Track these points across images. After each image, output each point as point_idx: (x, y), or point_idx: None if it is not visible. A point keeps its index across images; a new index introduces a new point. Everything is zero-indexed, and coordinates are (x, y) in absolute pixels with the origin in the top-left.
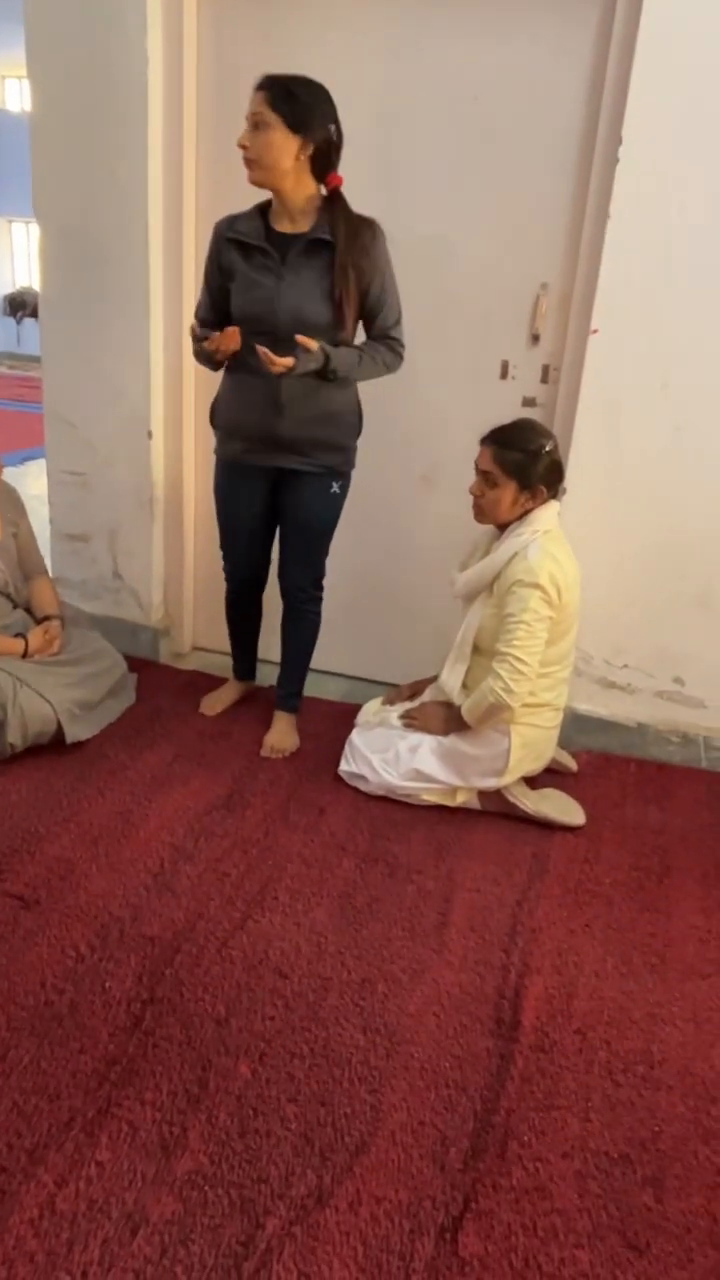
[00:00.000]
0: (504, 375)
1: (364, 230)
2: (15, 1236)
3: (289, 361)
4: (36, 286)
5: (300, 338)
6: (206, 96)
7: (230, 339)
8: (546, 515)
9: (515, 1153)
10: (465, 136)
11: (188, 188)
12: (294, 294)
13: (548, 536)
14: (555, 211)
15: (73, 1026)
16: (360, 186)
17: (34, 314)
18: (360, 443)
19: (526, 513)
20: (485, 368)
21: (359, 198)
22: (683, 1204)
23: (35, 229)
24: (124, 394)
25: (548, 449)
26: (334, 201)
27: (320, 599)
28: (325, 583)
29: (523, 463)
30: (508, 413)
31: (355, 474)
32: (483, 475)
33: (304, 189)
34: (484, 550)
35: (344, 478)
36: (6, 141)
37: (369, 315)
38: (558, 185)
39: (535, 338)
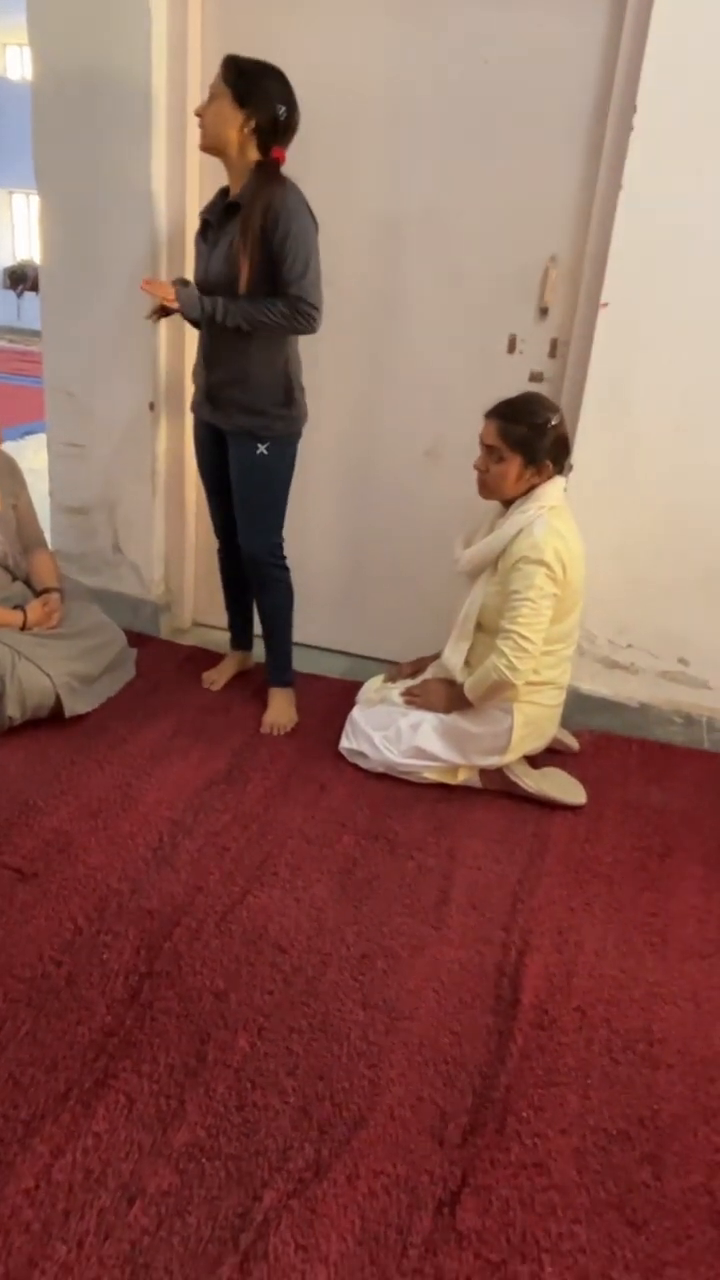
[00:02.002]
0: (511, 349)
1: (267, 189)
2: (11, 1207)
3: (163, 290)
4: (37, 259)
5: (145, 279)
6: (210, 64)
7: (148, 286)
8: (552, 491)
9: (514, 1129)
10: (474, 105)
11: (190, 158)
12: (215, 256)
13: (553, 512)
14: (566, 182)
15: (70, 999)
16: (366, 159)
17: (34, 288)
18: (361, 415)
19: (532, 488)
20: (492, 341)
21: (365, 170)
22: (681, 1181)
23: (36, 200)
24: (125, 365)
25: (554, 423)
26: (260, 169)
27: (281, 565)
28: (328, 556)
29: (528, 437)
30: (515, 387)
31: (357, 447)
32: (487, 450)
33: (246, 160)
34: (489, 526)
35: (272, 441)
36: (7, 110)
37: (275, 273)
38: (569, 155)
39: (544, 311)
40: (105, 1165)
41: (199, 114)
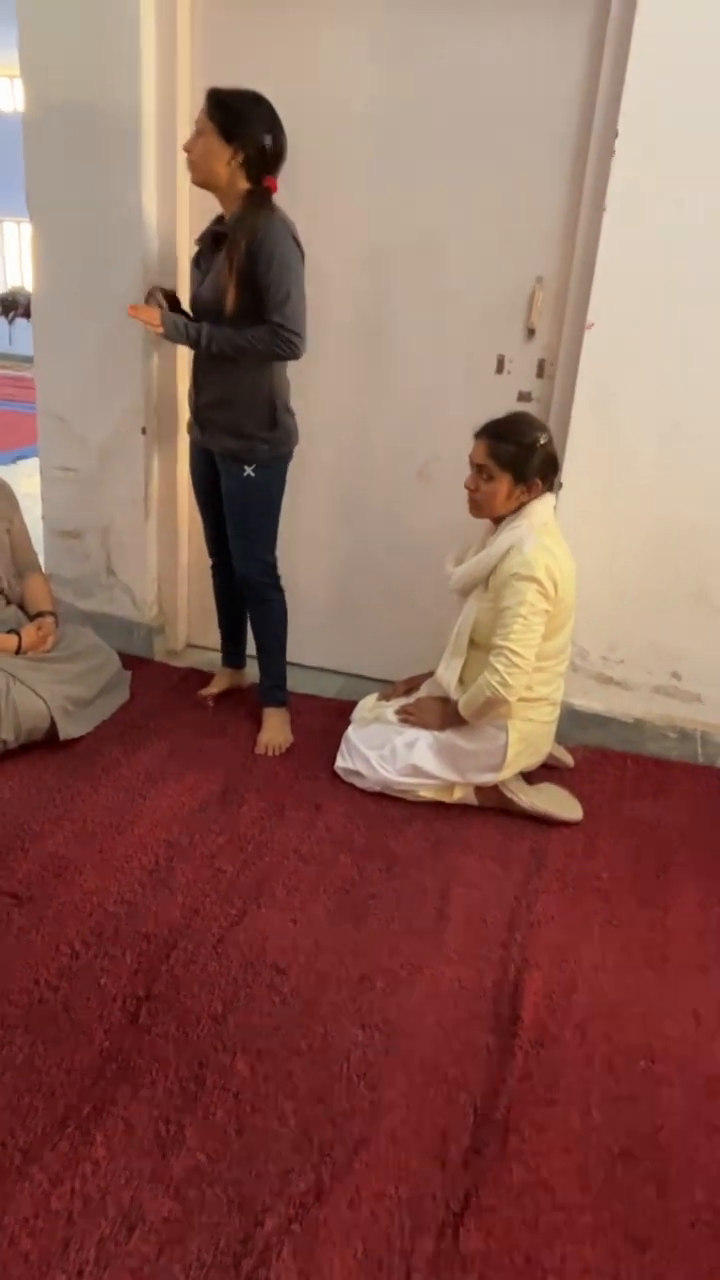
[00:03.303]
0: (500, 369)
1: (253, 218)
2: (9, 1236)
3: (149, 315)
4: (29, 287)
5: (131, 308)
6: (199, 93)
7: (135, 312)
8: (542, 509)
9: (516, 1148)
10: (459, 131)
11: (180, 187)
12: (205, 282)
13: (543, 530)
14: (551, 204)
15: (67, 1024)
16: (355, 183)
17: (26, 314)
18: (352, 436)
19: (522, 506)
20: (481, 362)
21: (353, 194)
22: (685, 1199)
23: (28, 228)
24: (117, 390)
25: (542, 442)
26: (249, 197)
27: (274, 585)
28: (321, 576)
29: (517, 455)
30: (504, 407)
31: (349, 468)
32: (477, 469)
33: (236, 190)
34: (480, 544)
35: (259, 464)
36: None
37: (260, 300)
38: (553, 178)
39: (531, 332)
40: (105, 1193)
41: (187, 150)
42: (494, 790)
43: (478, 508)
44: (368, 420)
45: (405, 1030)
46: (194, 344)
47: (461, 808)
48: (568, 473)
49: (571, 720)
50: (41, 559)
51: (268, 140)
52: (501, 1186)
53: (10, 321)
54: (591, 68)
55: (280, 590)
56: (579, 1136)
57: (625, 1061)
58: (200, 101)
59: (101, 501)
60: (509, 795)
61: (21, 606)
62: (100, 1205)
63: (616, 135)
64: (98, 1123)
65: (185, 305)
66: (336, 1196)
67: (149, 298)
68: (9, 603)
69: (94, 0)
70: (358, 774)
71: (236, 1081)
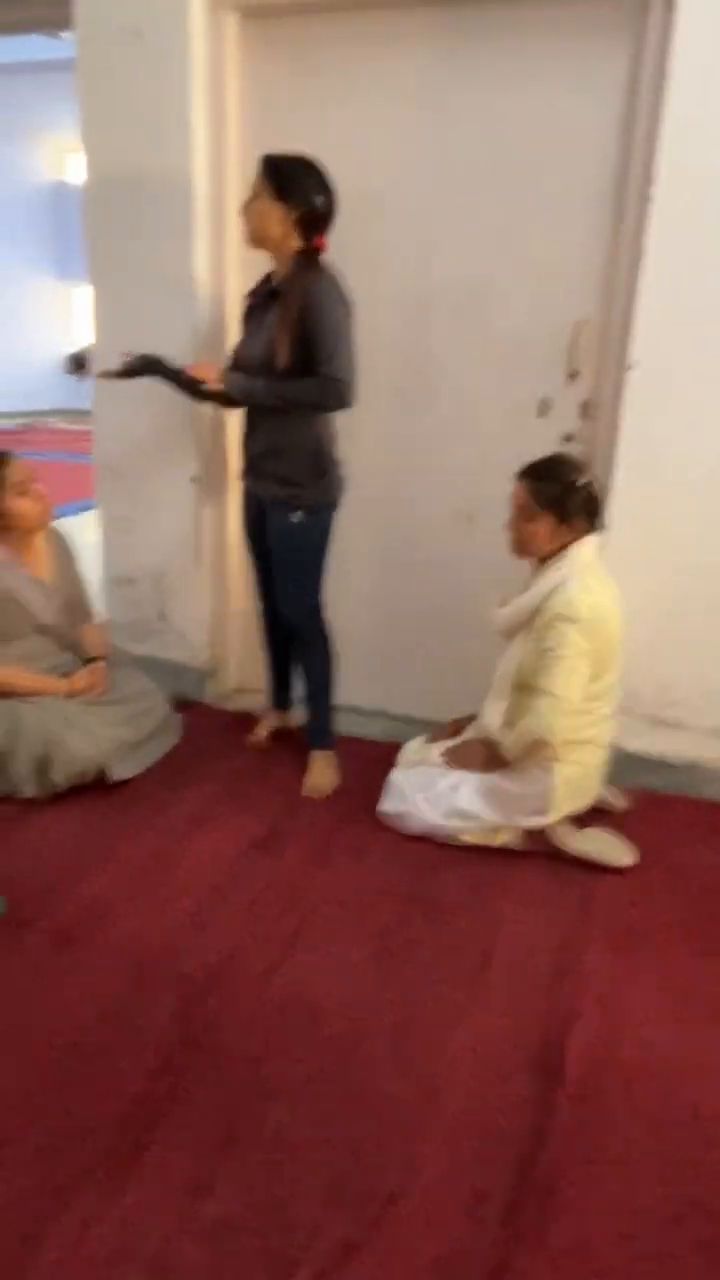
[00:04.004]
0: (543, 412)
1: (304, 276)
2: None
3: (207, 373)
4: None
5: (190, 366)
6: (249, 161)
7: (195, 369)
8: (585, 549)
9: (557, 1209)
10: (497, 179)
11: (230, 250)
12: (257, 337)
13: (587, 570)
14: (590, 248)
15: (105, 1065)
16: (394, 233)
17: None
18: (398, 480)
19: (565, 547)
20: (524, 405)
21: (393, 244)
22: None
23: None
24: (169, 441)
25: (583, 481)
26: (301, 256)
27: (320, 629)
28: (367, 619)
29: (558, 496)
30: (547, 449)
31: (394, 512)
32: (519, 510)
33: (289, 249)
34: (523, 585)
35: (306, 511)
36: (70, 212)
37: (310, 354)
38: (592, 222)
39: (573, 374)
40: (136, 1239)
41: (242, 213)
42: (541, 834)
43: (520, 548)
44: (412, 464)
45: (443, 1081)
46: (248, 397)
47: (507, 852)
48: (614, 512)
49: (623, 763)
50: (98, 605)
51: (319, 200)
52: (541, 1249)
53: (80, 379)
54: (628, 110)
55: (327, 634)
56: (624, 1199)
57: (675, 1121)
58: (249, 167)
59: (155, 549)
60: (556, 840)
61: (76, 651)
62: (131, 1252)
63: (652, 181)
64: (131, 1167)
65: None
66: (368, 1252)
67: (130, 366)
68: (64, 648)
69: (148, 78)
70: (402, 817)
71: (270, 1129)
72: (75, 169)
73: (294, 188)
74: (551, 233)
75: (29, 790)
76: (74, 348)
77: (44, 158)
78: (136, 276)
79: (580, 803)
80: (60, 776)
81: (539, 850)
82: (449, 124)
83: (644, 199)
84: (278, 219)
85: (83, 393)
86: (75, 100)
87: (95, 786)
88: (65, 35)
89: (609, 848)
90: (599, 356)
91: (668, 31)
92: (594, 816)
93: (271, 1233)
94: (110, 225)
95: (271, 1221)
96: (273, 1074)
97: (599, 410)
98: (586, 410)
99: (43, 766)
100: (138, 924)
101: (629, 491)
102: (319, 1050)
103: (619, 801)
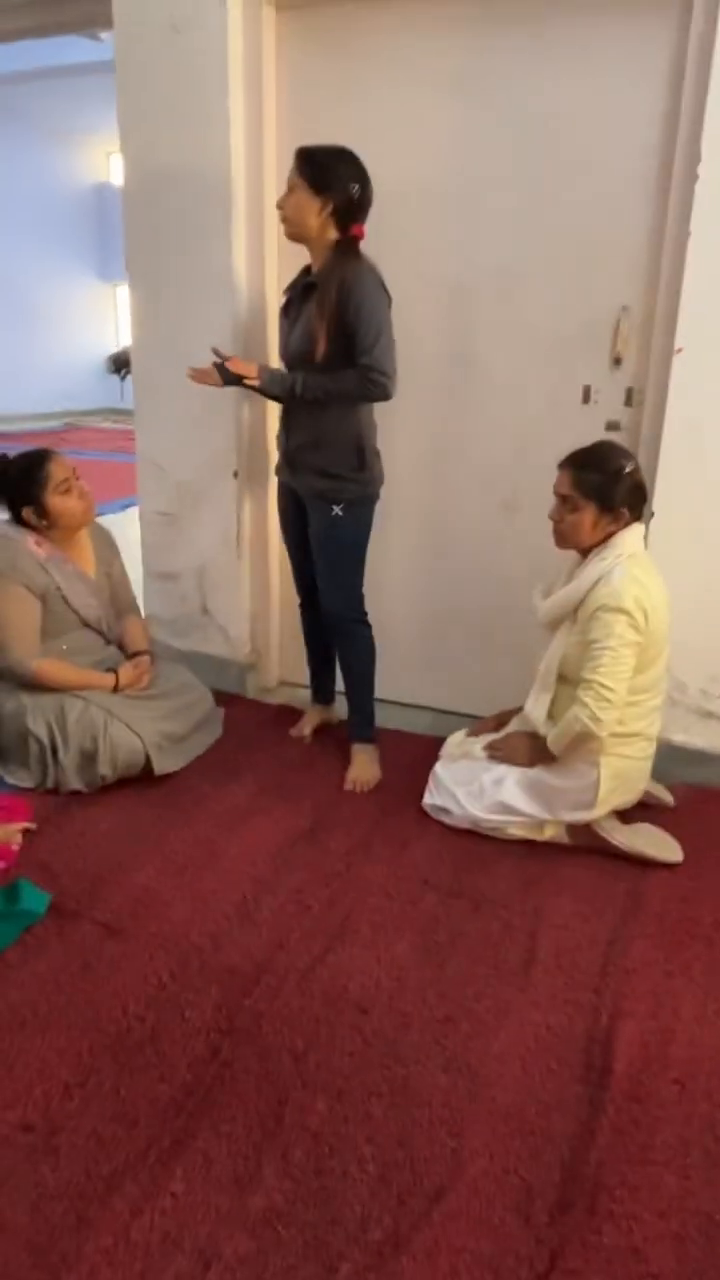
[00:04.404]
0: (586, 400)
1: (342, 267)
2: (90, 1265)
3: (246, 369)
4: None
5: (232, 360)
6: (285, 156)
7: (233, 365)
8: (631, 538)
9: (606, 1209)
10: (537, 165)
11: (268, 245)
12: (296, 331)
13: (632, 560)
14: (634, 232)
15: (152, 1054)
16: (434, 221)
17: None
18: (439, 471)
19: (609, 536)
20: (566, 393)
21: (433, 233)
22: None
23: None
24: (210, 437)
25: (628, 470)
26: (338, 247)
27: (361, 622)
28: (408, 611)
29: (602, 484)
30: (591, 437)
31: (436, 502)
32: (561, 499)
33: (326, 240)
34: (567, 576)
35: (346, 504)
36: (113, 213)
37: (350, 345)
38: (636, 205)
39: (617, 361)
40: (182, 1227)
41: (280, 207)
42: (587, 829)
43: (563, 539)
44: (453, 454)
45: (490, 1076)
46: (289, 394)
47: (553, 847)
48: (660, 501)
49: (670, 757)
50: (141, 601)
51: (355, 190)
52: (590, 1249)
53: (122, 379)
54: (673, 91)
55: (367, 626)
56: (676, 1200)
57: None
58: (286, 160)
59: (196, 544)
60: (603, 835)
61: (120, 646)
62: (178, 1240)
63: (700, 159)
64: (178, 1156)
65: (273, 359)
66: (415, 1247)
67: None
68: (108, 643)
69: (186, 74)
70: (445, 811)
71: (315, 1121)
72: (117, 170)
73: (329, 178)
74: (593, 217)
75: (76, 783)
76: (116, 348)
77: (86, 160)
78: (175, 273)
79: (628, 797)
80: (106, 769)
81: (585, 845)
82: (488, 110)
83: (691, 178)
84: (315, 210)
85: (124, 392)
86: (116, 101)
87: (140, 780)
88: (105, 37)
89: (657, 843)
90: (643, 342)
91: (715, 7)
92: (640, 811)
93: (317, 1226)
94: (149, 222)
95: (317, 1215)
96: (318, 1066)
97: (644, 397)
98: (631, 397)
99: (89, 760)
100: (184, 915)
101: (675, 479)
102: (364, 1043)
103: (666, 796)
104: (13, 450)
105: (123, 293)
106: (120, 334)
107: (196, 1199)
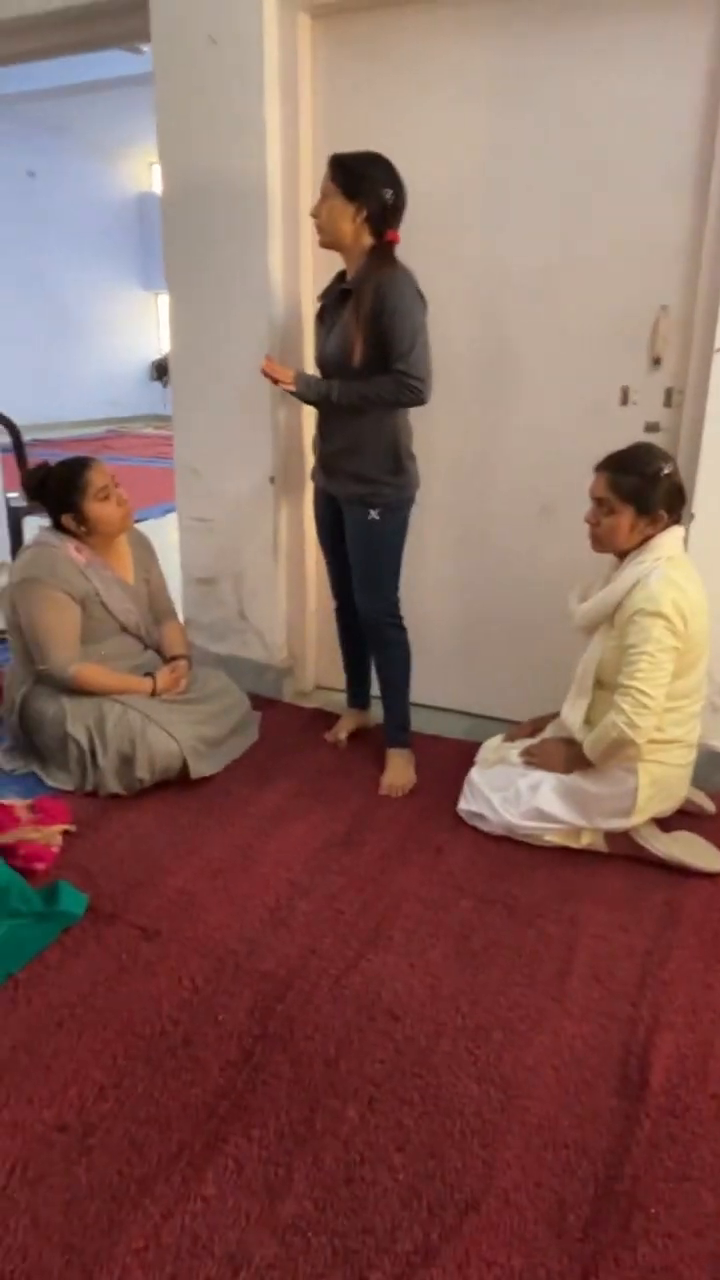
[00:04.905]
0: (624, 401)
1: (377, 272)
2: (122, 1266)
3: (283, 375)
4: None
5: (267, 365)
6: (321, 164)
7: (269, 367)
8: (669, 541)
9: (641, 1226)
10: (577, 163)
11: (304, 252)
12: (331, 337)
13: (670, 563)
14: (673, 232)
15: (185, 1058)
16: (470, 224)
17: None
18: (475, 474)
19: (647, 540)
20: (605, 395)
21: (469, 235)
22: None
23: None
24: (247, 443)
25: (666, 472)
26: (373, 253)
27: (398, 626)
28: (444, 615)
29: (639, 487)
30: (629, 439)
31: (472, 506)
32: (598, 503)
33: (361, 246)
34: (604, 580)
35: (383, 508)
36: (154, 222)
37: (385, 350)
38: (674, 205)
39: (656, 361)
40: (212, 1231)
41: (314, 214)
42: (625, 837)
43: (599, 543)
44: (489, 458)
45: (523, 1087)
46: (324, 400)
47: (590, 854)
48: (700, 504)
49: (712, 763)
50: (179, 606)
51: (389, 195)
52: (624, 1267)
53: (164, 385)
54: (712, 90)
55: (403, 631)
56: (714, 1219)
57: None
58: (321, 168)
59: (234, 549)
60: (641, 843)
61: (159, 651)
62: (208, 1243)
63: None
64: (209, 1159)
65: (309, 365)
66: (445, 1259)
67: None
68: (146, 648)
69: (223, 83)
70: (481, 816)
71: (346, 1129)
72: (159, 180)
73: (362, 184)
74: (630, 216)
75: (114, 787)
76: (158, 355)
77: (129, 170)
78: (212, 281)
79: (667, 805)
80: (144, 773)
81: (623, 853)
82: (522, 111)
83: None
84: (349, 217)
85: (167, 399)
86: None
87: (178, 783)
88: (146, 49)
89: (697, 851)
90: (682, 342)
91: None
92: (680, 819)
93: (347, 1234)
94: (187, 231)
95: (347, 1223)
96: (350, 1072)
97: (683, 398)
98: (670, 398)
99: (126, 763)
100: (219, 919)
101: (716, 480)
102: (396, 1050)
103: (707, 804)
104: (55, 457)
105: (164, 301)
106: (163, 341)
107: (227, 1204)
